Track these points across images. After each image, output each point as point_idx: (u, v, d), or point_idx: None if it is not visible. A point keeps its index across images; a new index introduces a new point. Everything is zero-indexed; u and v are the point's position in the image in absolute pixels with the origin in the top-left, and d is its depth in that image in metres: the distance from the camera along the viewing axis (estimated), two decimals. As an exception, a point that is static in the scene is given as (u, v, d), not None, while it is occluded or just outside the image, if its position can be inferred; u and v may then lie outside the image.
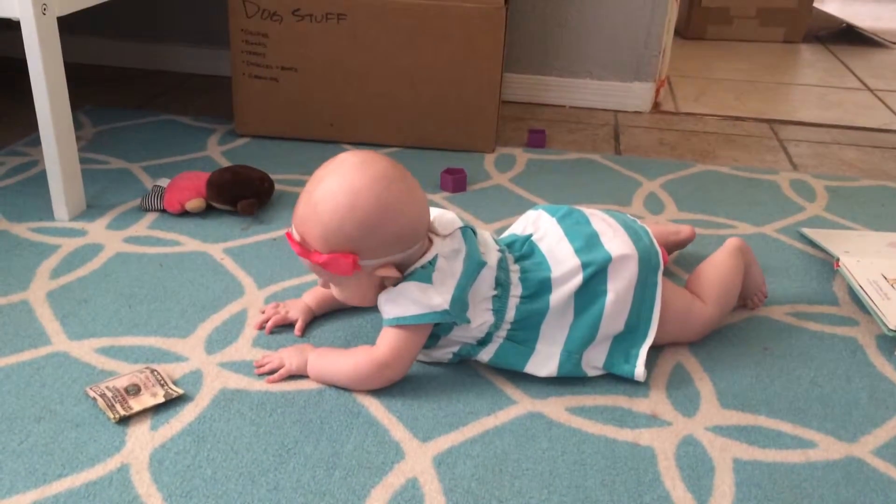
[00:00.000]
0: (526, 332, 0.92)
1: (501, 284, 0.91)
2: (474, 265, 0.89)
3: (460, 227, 0.92)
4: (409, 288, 0.87)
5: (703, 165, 1.61)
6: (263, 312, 1.02)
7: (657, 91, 1.98)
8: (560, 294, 0.91)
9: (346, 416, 0.86)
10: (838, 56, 2.67)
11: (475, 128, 1.60)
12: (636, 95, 1.94)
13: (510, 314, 0.91)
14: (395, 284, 0.89)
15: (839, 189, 1.51)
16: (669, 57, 2.06)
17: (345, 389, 0.89)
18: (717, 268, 1.03)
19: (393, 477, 0.78)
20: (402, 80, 1.57)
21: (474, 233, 0.94)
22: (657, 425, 0.86)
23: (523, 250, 0.95)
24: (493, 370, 0.94)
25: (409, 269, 0.89)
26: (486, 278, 0.90)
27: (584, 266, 0.91)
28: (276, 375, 0.90)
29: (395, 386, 0.90)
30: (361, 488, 0.76)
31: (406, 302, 0.86)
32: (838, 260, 1.13)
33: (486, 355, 0.92)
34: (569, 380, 0.92)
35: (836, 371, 0.97)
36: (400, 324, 0.87)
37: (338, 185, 0.85)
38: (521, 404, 0.89)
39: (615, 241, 0.94)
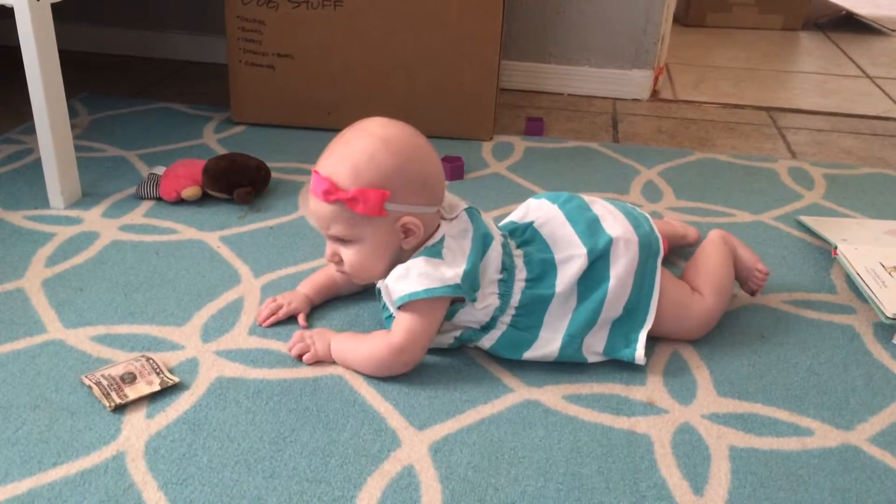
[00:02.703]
0: (530, 318, 0.92)
1: (507, 268, 0.91)
2: (483, 238, 0.90)
3: (465, 209, 0.93)
4: (420, 263, 0.87)
5: (702, 153, 1.60)
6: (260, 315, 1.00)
7: (656, 79, 1.97)
8: (565, 278, 0.91)
9: (342, 404, 0.85)
10: (837, 43, 2.66)
11: (473, 116, 1.59)
12: (634, 83, 1.94)
13: (515, 299, 0.91)
14: (407, 253, 0.89)
15: (837, 177, 1.51)
16: (668, 44, 2.05)
17: (337, 378, 0.89)
18: (707, 258, 1.03)
19: (389, 465, 0.78)
20: (399, 68, 1.56)
21: (478, 212, 0.94)
22: (654, 413, 0.86)
23: (525, 236, 0.95)
24: (490, 358, 0.94)
25: (419, 250, 0.89)
26: (493, 260, 0.90)
27: (589, 252, 0.91)
28: (306, 358, 0.91)
29: (392, 374, 0.90)
30: (358, 476, 0.76)
31: (417, 277, 0.86)
32: (836, 248, 1.13)
33: (487, 342, 0.92)
34: (565, 367, 0.92)
35: (833, 359, 0.97)
36: (413, 299, 0.86)
37: (369, 129, 0.88)
38: (518, 392, 0.89)
39: (616, 225, 0.94)
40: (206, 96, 1.82)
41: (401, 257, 0.90)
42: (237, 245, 1.17)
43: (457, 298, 0.89)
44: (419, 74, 1.56)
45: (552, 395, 0.88)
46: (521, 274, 0.92)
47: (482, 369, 0.92)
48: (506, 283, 0.91)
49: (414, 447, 0.80)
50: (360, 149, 0.86)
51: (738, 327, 1.02)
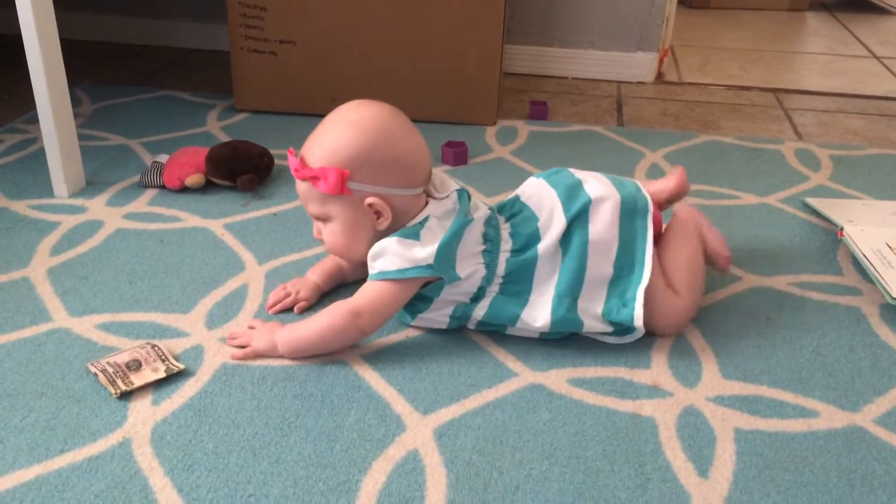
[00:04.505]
0: (518, 284, 0.92)
1: (491, 240, 0.92)
2: (460, 222, 0.90)
3: (456, 190, 0.94)
4: (394, 243, 0.88)
5: (707, 136, 1.59)
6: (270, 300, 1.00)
7: (660, 61, 1.96)
8: (547, 242, 0.92)
9: (347, 389, 0.86)
10: (844, 23, 2.64)
11: (476, 100, 1.59)
12: (639, 66, 1.92)
13: (500, 268, 0.92)
14: (385, 233, 0.90)
15: (844, 158, 1.50)
16: (673, 26, 2.04)
17: (342, 363, 0.89)
18: (680, 249, 0.99)
19: (394, 449, 0.78)
20: (401, 53, 1.55)
21: (469, 197, 0.95)
22: (658, 396, 0.86)
23: (514, 209, 0.97)
24: (495, 342, 0.94)
25: (401, 228, 0.90)
26: (474, 233, 0.91)
27: (567, 210, 0.92)
28: (240, 353, 0.90)
29: (396, 359, 0.90)
30: (363, 461, 0.76)
31: (390, 256, 0.88)
32: (842, 229, 1.12)
33: (481, 310, 0.92)
34: (570, 351, 0.92)
35: (839, 340, 0.97)
36: (384, 278, 0.88)
37: (342, 112, 0.92)
38: (522, 376, 0.89)
39: (597, 186, 0.95)
40: (208, 84, 1.81)
41: (382, 236, 0.91)
42: (241, 232, 1.17)
43: (433, 278, 0.89)
44: (422, 59, 1.55)
45: (557, 379, 0.88)
46: (506, 245, 0.93)
47: (487, 354, 0.92)
48: (490, 254, 0.92)
49: (419, 432, 0.80)
50: (328, 130, 0.90)
51: (743, 309, 1.02)
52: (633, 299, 0.91)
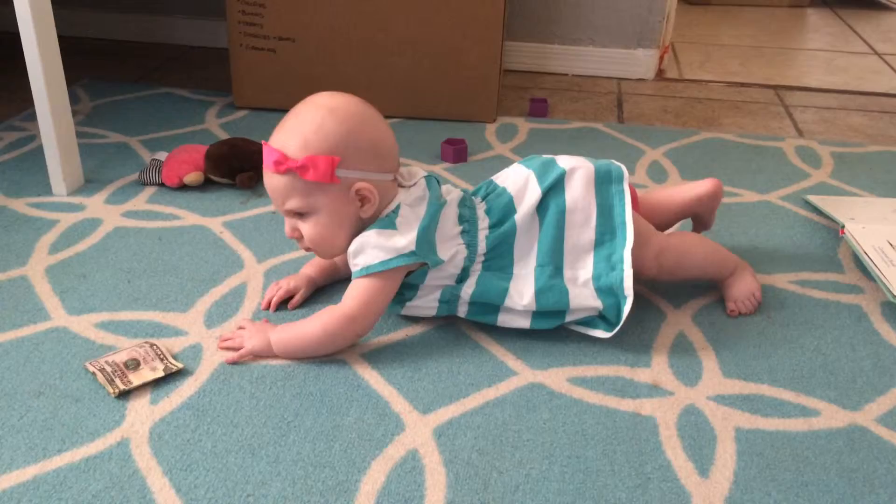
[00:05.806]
0: (500, 259, 0.93)
1: (468, 220, 0.93)
2: (435, 206, 0.91)
3: (424, 176, 0.95)
4: (373, 235, 0.88)
5: (708, 133, 1.59)
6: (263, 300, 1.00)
7: (661, 58, 1.95)
8: (523, 211, 0.93)
9: (346, 388, 0.85)
10: (846, 20, 2.63)
11: (476, 97, 1.58)
12: (640, 63, 1.92)
13: (481, 246, 0.93)
14: (365, 223, 0.90)
15: (845, 155, 1.49)
16: (673, 23, 2.03)
17: (341, 362, 0.89)
18: (702, 241, 1.03)
19: (393, 449, 0.78)
20: (401, 50, 1.55)
21: (438, 182, 0.96)
22: (659, 395, 0.86)
23: (487, 189, 0.98)
24: (494, 340, 0.93)
25: (373, 221, 0.90)
26: (449, 215, 0.93)
27: (541, 181, 0.94)
28: (235, 355, 0.89)
29: (396, 358, 0.90)
30: (362, 460, 0.76)
31: (372, 249, 0.88)
32: (843, 227, 1.12)
33: (468, 289, 0.92)
34: (570, 350, 0.92)
35: (841, 339, 0.96)
36: (369, 272, 0.88)
37: (316, 101, 0.90)
38: (522, 375, 0.88)
39: (569, 159, 0.97)
40: (208, 81, 1.81)
41: (361, 229, 0.90)
42: (240, 230, 1.17)
43: (417, 265, 0.90)
44: (422, 56, 1.55)
45: (557, 378, 0.88)
46: (483, 223, 0.94)
47: (486, 352, 0.92)
48: (469, 234, 0.93)
49: (418, 431, 0.80)
50: (308, 119, 0.87)
51: (744, 308, 1.01)
52: (621, 261, 0.92)
